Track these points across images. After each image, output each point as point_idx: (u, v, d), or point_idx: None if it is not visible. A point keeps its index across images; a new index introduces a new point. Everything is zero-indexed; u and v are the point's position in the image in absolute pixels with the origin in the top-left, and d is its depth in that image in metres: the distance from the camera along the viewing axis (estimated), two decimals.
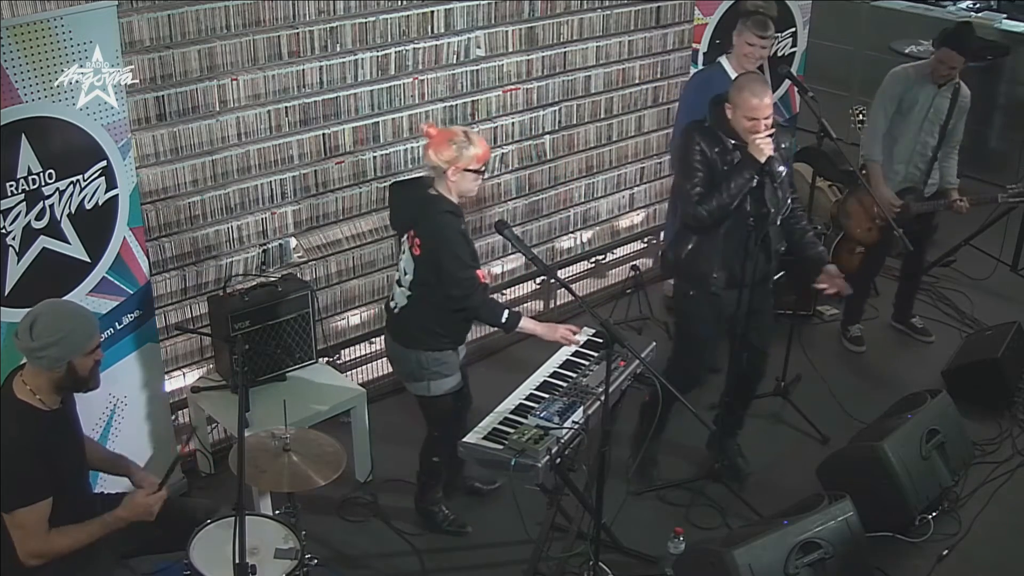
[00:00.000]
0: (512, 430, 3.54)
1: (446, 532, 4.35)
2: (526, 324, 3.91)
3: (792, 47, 6.07)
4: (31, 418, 3.15)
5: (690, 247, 4.23)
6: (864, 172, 5.31)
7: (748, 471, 4.71)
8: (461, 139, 3.74)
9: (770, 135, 4.00)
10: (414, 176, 3.89)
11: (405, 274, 3.91)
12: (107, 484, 3.93)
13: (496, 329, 4.00)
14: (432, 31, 4.97)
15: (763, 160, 3.98)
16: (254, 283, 4.55)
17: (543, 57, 5.46)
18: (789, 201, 4.24)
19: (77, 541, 3.18)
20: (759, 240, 4.14)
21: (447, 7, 4.96)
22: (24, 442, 3.10)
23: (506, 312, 3.86)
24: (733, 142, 4.06)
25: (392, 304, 4.01)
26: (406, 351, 3.97)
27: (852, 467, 4.38)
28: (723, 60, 4.99)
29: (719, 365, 4.76)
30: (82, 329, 3.17)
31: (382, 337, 5.22)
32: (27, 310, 3.20)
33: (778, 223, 4.21)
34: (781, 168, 4.11)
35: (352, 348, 5.15)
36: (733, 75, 4.82)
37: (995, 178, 6.68)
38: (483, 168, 3.82)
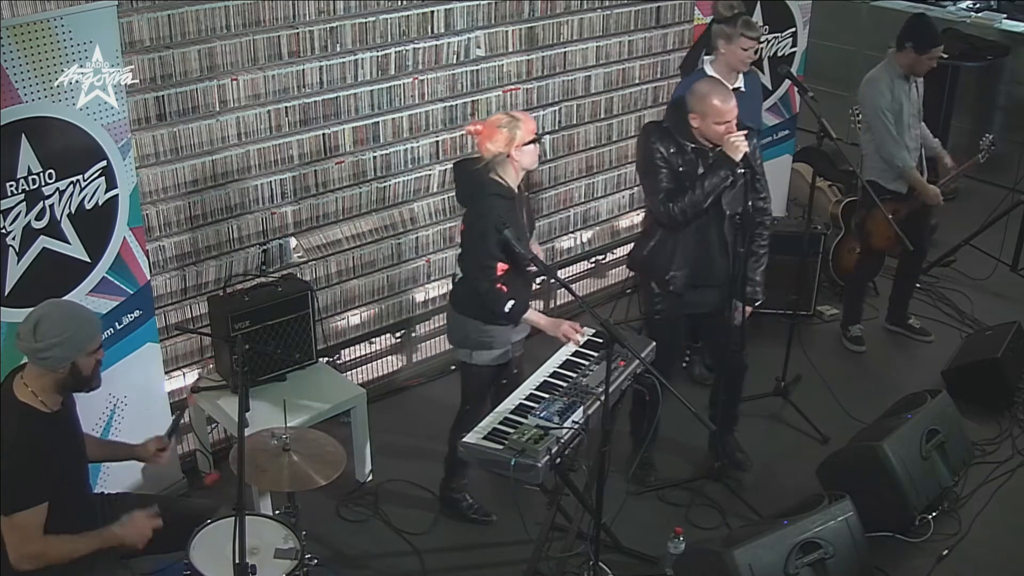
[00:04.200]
0: (512, 430, 3.54)
1: (471, 520, 4.39)
2: (531, 315, 3.96)
3: (792, 47, 6.07)
4: (32, 419, 3.15)
5: (652, 244, 4.27)
6: (862, 181, 5.30)
7: (749, 464, 4.73)
8: (508, 121, 3.88)
9: (744, 133, 4.03)
10: (476, 156, 3.98)
11: (459, 248, 4.07)
12: (108, 484, 3.93)
13: None
14: (432, 31, 4.97)
15: (739, 158, 4.00)
16: (254, 283, 4.55)
17: (543, 57, 5.46)
18: (759, 202, 4.26)
19: (72, 551, 3.17)
20: (745, 239, 4.16)
21: (447, 7, 4.96)
22: (25, 444, 3.10)
23: (510, 302, 3.89)
24: (692, 146, 4.09)
25: (455, 273, 4.14)
26: (458, 316, 4.10)
27: (852, 467, 4.38)
28: (708, 68, 4.87)
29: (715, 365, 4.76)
30: (85, 329, 3.17)
31: (382, 337, 5.27)
32: (27, 310, 3.20)
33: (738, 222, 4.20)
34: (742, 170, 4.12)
35: (352, 348, 5.15)
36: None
37: (995, 178, 6.68)
38: (538, 137, 3.93)
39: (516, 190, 3.96)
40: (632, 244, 4.59)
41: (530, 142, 3.89)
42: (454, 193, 4.26)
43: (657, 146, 4.11)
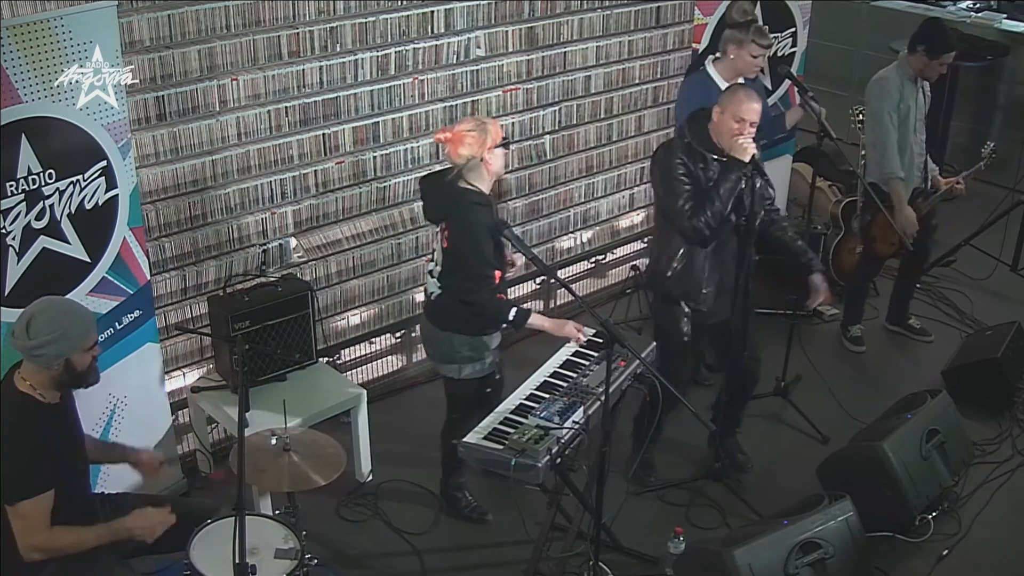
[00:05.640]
0: (512, 430, 3.55)
1: (467, 519, 4.40)
2: (535, 320, 3.94)
3: (792, 47, 6.07)
4: (33, 409, 3.15)
5: (676, 266, 4.20)
6: (864, 185, 5.29)
7: (749, 464, 4.73)
8: (476, 125, 3.83)
9: (752, 137, 4.02)
10: (443, 168, 3.96)
11: (436, 265, 3.99)
12: (107, 484, 3.93)
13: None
14: (432, 31, 4.97)
15: (747, 159, 3.99)
16: (254, 283, 4.55)
17: (543, 57, 5.46)
18: (767, 207, 4.26)
19: (81, 541, 3.17)
20: (752, 243, 4.16)
21: (447, 7, 4.96)
22: (27, 433, 3.11)
23: (513, 310, 3.87)
24: (715, 157, 4.07)
25: (428, 292, 4.08)
26: (441, 333, 4.04)
27: (852, 467, 4.38)
28: (710, 68, 4.87)
29: (717, 365, 4.77)
30: (79, 326, 3.17)
31: (382, 337, 5.27)
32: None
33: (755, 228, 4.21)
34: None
35: (352, 348, 5.15)
36: (723, 84, 4.74)
37: (995, 178, 6.68)
38: (506, 139, 3.90)
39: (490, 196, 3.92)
40: (647, 266, 4.55)
41: (500, 144, 3.85)
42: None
43: (684, 160, 4.07)
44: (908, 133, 5.25)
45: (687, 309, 4.26)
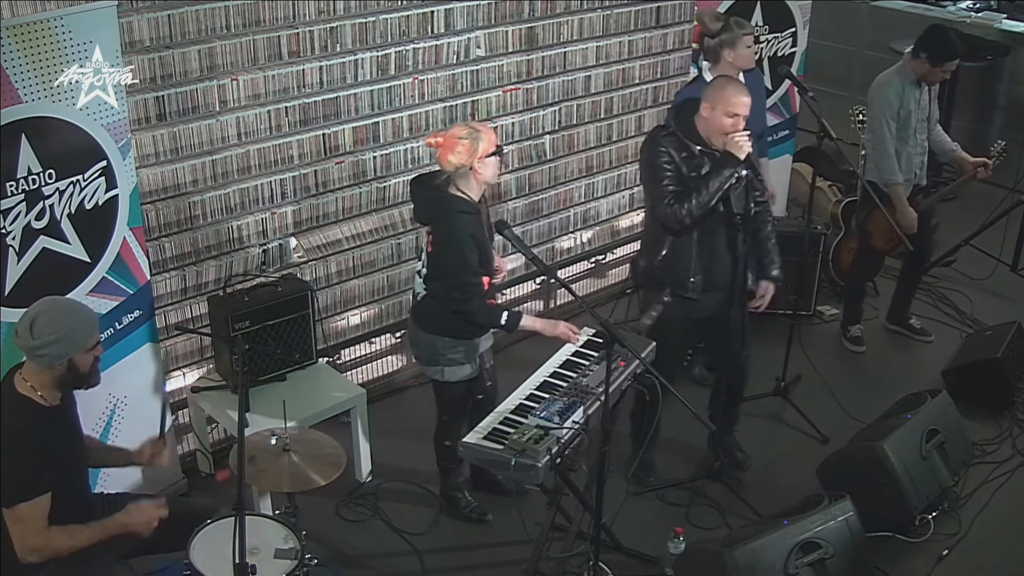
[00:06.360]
0: (512, 430, 3.55)
1: (467, 519, 4.39)
2: (527, 322, 3.94)
3: (792, 47, 6.07)
4: (32, 411, 3.15)
5: (665, 252, 4.20)
6: (863, 182, 5.30)
7: (748, 462, 4.73)
8: (469, 132, 3.79)
9: (748, 133, 4.01)
10: (435, 171, 3.95)
11: (423, 267, 3.98)
12: (107, 484, 3.93)
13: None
14: (432, 31, 4.97)
15: (742, 156, 3.99)
16: (254, 283, 4.55)
17: (543, 57, 5.46)
18: (757, 198, 4.24)
19: (76, 541, 3.17)
20: (746, 239, 4.15)
21: (447, 7, 4.96)
22: (26, 435, 3.11)
23: (505, 314, 3.87)
24: (699, 148, 4.07)
25: (415, 292, 4.08)
26: (426, 336, 4.03)
27: (852, 467, 4.38)
28: (707, 75, 4.79)
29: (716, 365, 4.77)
30: (82, 326, 3.17)
31: (382, 337, 5.27)
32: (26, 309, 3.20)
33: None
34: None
35: (352, 348, 5.15)
36: None
37: (995, 178, 6.67)
38: (499, 147, 3.87)
39: (479, 203, 3.91)
40: (636, 253, 4.55)
41: (492, 154, 3.82)
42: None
43: (667, 149, 4.07)
44: (908, 135, 5.26)
45: (667, 297, 4.24)
